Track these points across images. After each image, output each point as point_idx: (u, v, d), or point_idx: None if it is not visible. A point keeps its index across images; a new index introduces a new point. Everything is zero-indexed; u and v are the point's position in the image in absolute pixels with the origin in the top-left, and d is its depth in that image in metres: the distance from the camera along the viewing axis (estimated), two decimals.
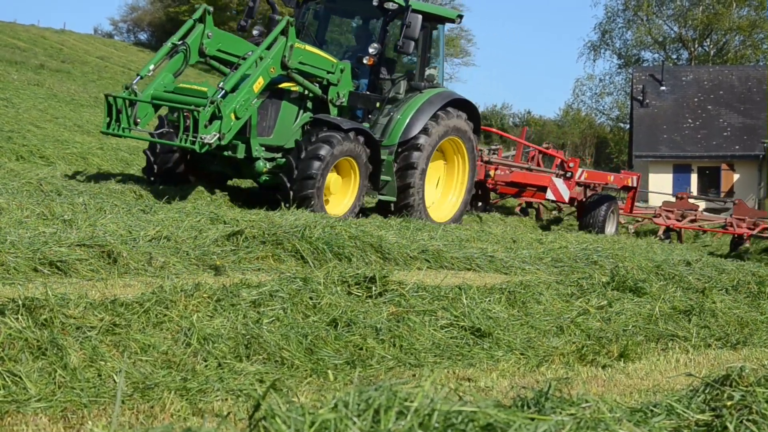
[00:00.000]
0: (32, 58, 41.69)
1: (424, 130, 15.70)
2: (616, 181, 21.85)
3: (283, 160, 14.26)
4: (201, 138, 12.68)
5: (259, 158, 14.26)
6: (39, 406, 4.44)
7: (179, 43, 13.94)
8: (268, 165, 14.42)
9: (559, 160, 22.30)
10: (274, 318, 6.13)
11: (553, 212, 23.33)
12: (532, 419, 2.96)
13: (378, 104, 15.63)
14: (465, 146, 16.66)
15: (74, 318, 5.36)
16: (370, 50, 15.21)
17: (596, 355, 6.61)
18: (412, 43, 15.04)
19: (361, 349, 5.98)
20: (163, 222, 10.11)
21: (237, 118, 13.29)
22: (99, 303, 5.69)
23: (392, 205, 15.71)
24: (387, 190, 15.67)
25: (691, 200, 26.39)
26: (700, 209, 24.89)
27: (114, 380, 4.85)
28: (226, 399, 4.87)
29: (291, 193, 13.75)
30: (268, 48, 13.93)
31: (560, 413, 3.35)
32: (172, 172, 14.69)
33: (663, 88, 50.97)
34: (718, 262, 12.53)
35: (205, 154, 13.58)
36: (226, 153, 14.03)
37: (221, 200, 14.97)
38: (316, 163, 13.87)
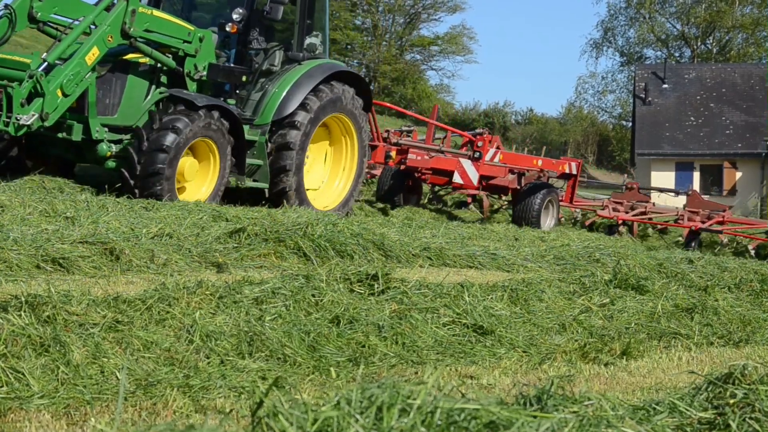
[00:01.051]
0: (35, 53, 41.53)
1: (302, 107, 13.93)
2: (549, 166, 19.60)
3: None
4: (17, 118, 11.10)
5: (101, 140, 12.46)
6: (42, 403, 4.45)
7: (2, 6, 11.95)
8: (114, 148, 12.59)
9: (467, 139, 20.46)
10: (276, 315, 6.14)
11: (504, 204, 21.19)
12: (535, 417, 2.96)
13: (244, 77, 13.79)
14: (353, 125, 14.90)
15: (77, 315, 5.36)
16: (234, 16, 13.50)
17: (599, 353, 6.61)
18: (281, 8, 13.52)
19: (364, 346, 5.98)
20: (166, 219, 10.12)
21: (65, 95, 11.60)
22: (102, 300, 5.70)
23: (266, 192, 13.90)
24: (259, 176, 13.84)
25: (643, 191, 24.48)
26: (653, 201, 22.71)
27: (117, 377, 4.86)
28: (229, 396, 4.87)
29: (136, 191, 12.16)
30: (107, 11, 12.19)
31: (563, 411, 3.35)
32: (4, 157, 12.82)
33: (665, 85, 50.95)
34: (720, 260, 12.52)
35: (43, 136, 12.15)
36: (60, 135, 12.23)
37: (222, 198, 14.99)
38: (161, 156, 12.19)
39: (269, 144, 13.83)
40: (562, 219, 20.17)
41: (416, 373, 5.71)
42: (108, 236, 8.37)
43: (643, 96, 50.23)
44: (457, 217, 18.89)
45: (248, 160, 13.62)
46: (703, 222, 19.74)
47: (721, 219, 20.04)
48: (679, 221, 20.36)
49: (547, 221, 18.23)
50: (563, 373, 5.94)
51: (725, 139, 48.14)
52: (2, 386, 4.54)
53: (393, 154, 17.52)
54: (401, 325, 6.38)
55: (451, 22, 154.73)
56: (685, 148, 47.81)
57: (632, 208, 21.05)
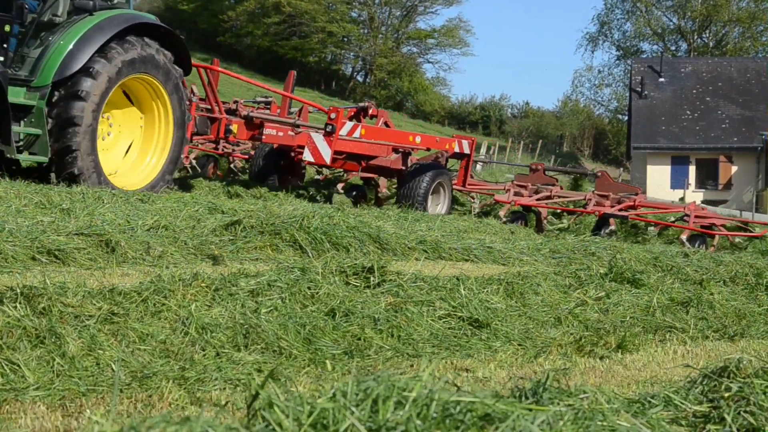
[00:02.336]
0: None
1: (88, 72, 11.62)
2: (431, 144, 17.40)
3: None
4: None
5: None
6: (37, 395, 4.45)
7: None
8: None
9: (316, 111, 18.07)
10: (272, 308, 6.14)
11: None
12: (530, 410, 2.97)
13: (7, 27, 11.50)
14: (164, 88, 12.53)
15: (72, 306, 5.36)
16: None
17: (594, 347, 6.61)
18: None
19: (359, 339, 5.98)
20: (161, 211, 10.12)
21: None
22: (97, 292, 5.69)
23: (54, 169, 11.72)
24: (38, 148, 11.56)
25: (550, 173, 21.88)
26: (559, 184, 20.12)
27: (112, 369, 4.86)
28: (225, 388, 4.87)
29: None
30: None
31: (558, 404, 3.35)
32: None
33: (662, 79, 50.99)
34: (715, 254, 12.53)
35: None
36: None
37: (219, 190, 14.98)
38: None
39: (50, 119, 11.56)
40: (475, 205, 18.68)
41: (412, 366, 5.72)
42: (103, 228, 8.36)
43: (640, 90, 50.28)
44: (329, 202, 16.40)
45: (24, 129, 11.50)
46: (612, 206, 17.94)
47: (631, 203, 18.18)
48: (586, 206, 18.21)
49: (439, 206, 16.51)
50: (558, 366, 5.94)
51: (721, 133, 48.20)
52: None
53: (234, 128, 15.12)
54: (397, 318, 6.39)
55: (447, 15, 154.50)
56: (681, 142, 47.88)
57: (537, 192, 18.94)
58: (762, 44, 70.34)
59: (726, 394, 3.83)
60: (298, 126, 15.73)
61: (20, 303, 5.20)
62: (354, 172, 17.09)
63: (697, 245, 15.85)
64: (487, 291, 7.42)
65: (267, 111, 18.02)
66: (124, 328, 5.32)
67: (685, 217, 17.46)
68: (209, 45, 74.48)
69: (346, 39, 76.70)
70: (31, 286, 5.39)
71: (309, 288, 6.58)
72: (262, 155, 17.42)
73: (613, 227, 17.00)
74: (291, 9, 70.93)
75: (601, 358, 6.41)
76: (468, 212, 18.37)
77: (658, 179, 47.28)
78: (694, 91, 50.35)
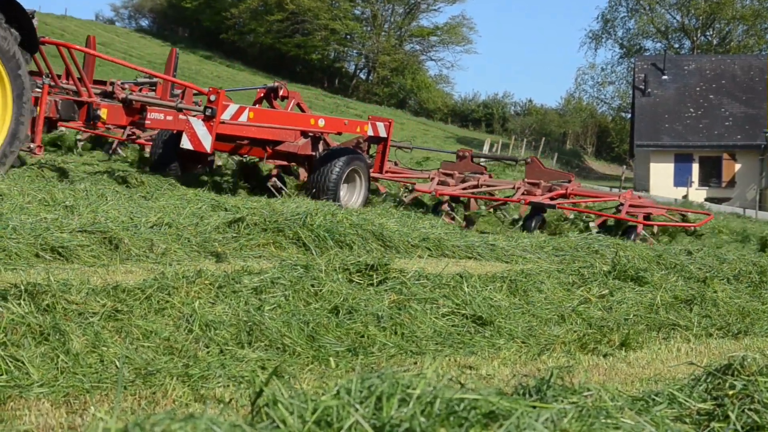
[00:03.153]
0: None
1: None
2: (339, 128, 15.47)
3: None
4: None
5: None
6: (41, 391, 4.45)
7: None
8: None
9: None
10: (275, 305, 6.14)
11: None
12: (534, 407, 2.96)
13: None
14: (4, 66, 11.22)
15: (76, 304, 5.36)
16: None
17: (597, 344, 6.61)
18: None
19: (363, 336, 5.98)
20: (165, 208, 10.12)
21: None
22: (101, 289, 5.70)
23: None
24: None
25: (481, 160, 20.06)
26: (487, 173, 18.58)
27: (116, 366, 4.86)
28: (228, 385, 4.87)
29: None
30: None
31: (562, 401, 3.35)
32: None
33: (665, 77, 50.96)
34: (719, 251, 12.52)
35: None
36: None
37: (223, 187, 14.98)
38: None
39: None
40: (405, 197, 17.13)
41: (415, 363, 5.72)
42: (107, 225, 8.37)
43: (643, 87, 50.24)
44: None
45: None
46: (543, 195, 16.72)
47: (563, 191, 16.91)
48: (516, 194, 16.88)
49: (354, 197, 15.08)
50: (562, 363, 5.94)
51: (724, 130, 48.17)
52: (2, 375, 4.54)
53: (103, 113, 13.43)
54: (400, 316, 6.39)
55: (450, 13, 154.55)
56: (685, 140, 47.85)
57: (464, 181, 17.61)
58: (766, 42, 70.26)
59: (730, 392, 3.83)
60: (180, 110, 14.07)
61: (24, 300, 5.20)
62: (270, 161, 15.80)
63: (632, 238, 14.99)
64: (490, 288, 7.42)
65: (153, 94, 16.35)
66: (128, 325, 5.33)
67: (619, 207, 16.59)
68: (212, 42, 74.52)
69: (349, 36, 76.70)
70: (35, 283, 5.39)
71: (312, 285, 6.58)
72: (161, 142, 15.67)
73: (571, 215, 16.18)
74: (294, 6, 70.95)
75: (604, 356, 6.41)
76: (385, 202, 16.72)
77: (661, 177, 47.26)
78: (698, 89, 50.30)
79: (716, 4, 69.07)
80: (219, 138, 13.82)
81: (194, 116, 13.33)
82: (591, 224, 15.58)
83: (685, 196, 43.80)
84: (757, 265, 10.02)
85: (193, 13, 76.15)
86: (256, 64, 72.74)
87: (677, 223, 17.15)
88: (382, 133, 16.05)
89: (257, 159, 16.08)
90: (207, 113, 13.07)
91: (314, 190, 14.36)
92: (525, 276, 7.99)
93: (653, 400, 3.87)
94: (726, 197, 46.20)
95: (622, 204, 16.61)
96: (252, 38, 74.60)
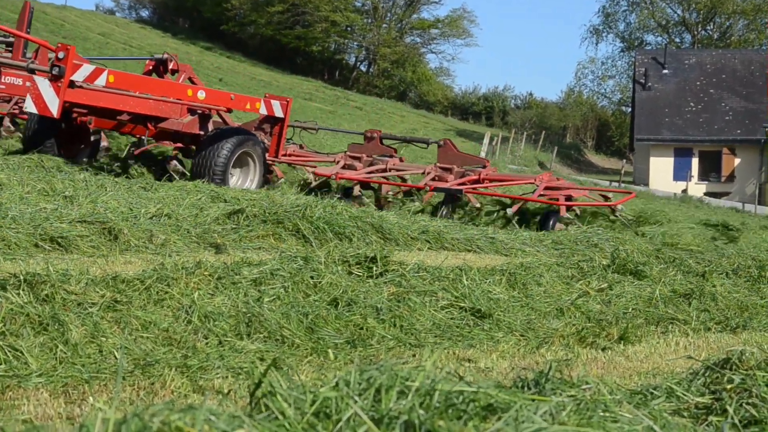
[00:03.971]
0: (33, 34, 41.46)
1: None
2: (224, 102, 14.04)
3: None
4: None
5: None
6: (40, 381, 4.45)
7: None
8: None
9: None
10: (274, 297, 6.14)
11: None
12: (533, 400, 2.97)
13: None
14: None
15: (75, 294, 5.36)
16: None
17: (596, 338, 6.61)
18: None
19: (362, 328, 5.99)
20: (164, 199, 10.12)
21: None
22: (100, 279, 5.70)
23: None
24: None
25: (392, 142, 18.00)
26: (398, 157, 16.93)
27: (115, 356, 4.86)
28: (227, 376, 4.88)
29: None
30: None
31: (560, 395, 3.35)
32: None
33: (665, 71, 50.91)
34: (718, 246, 12.52)
35: None
36: None
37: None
38: None
39: None
40: (310, 179, 15.71)
41: (414, 355, 5.72)
42: (106, 216, 8.37)
43: (643, 81, 50.20)
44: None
45: None
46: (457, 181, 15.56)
47: (476, 177, 15.73)
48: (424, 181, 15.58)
49: (248, 181, 13.87)
50: (561, 357, 5.95)
51: (724, 125, 48.14)
52: (1, 364, 4.54)
53: None
54: (399, 308, 6.39)
55: (451, 5, 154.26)
56: (685, 134, 47.82)
57: (372, 165, 16.28)
58: (766, 36, 70.18)
59: (728, 386, 3.83)
60: (33, 71, 12.31)
61: (23, 290, 5.20)
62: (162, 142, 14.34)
63: (551, 224, 13.95)
64: (489, 281, 7.42)
65: (9, 55, 14.47)
66: (127, 315, 5.33)
67: (535, 190, 15.30)
68: (213, 34, 74.41)
69: (349, 28, 76.59)
70: (34, 273, 5.39)
71: (312, 277, 6.58)
72: (35, 119, 13.57)
73: (477, 204, 14.78)
74: None
75: (603, 350, 6.41)
76: (279, 188, 14.88)
77: (661, 171, 47.25)
78: (698, 83, 50.27)
79: None
80: (93, 112, 12.73)
81: (41, 76, 11.81)
82: (508, 210, 14.38)
83: (685, 191, 43.81)
84: (756, 260, 10.02)
85: (194, 3, 76.04)
86: (257, 56, 72.65)
87: (595, 203, 15.52)
88: (278, 113, 14.48)
89: (152, 140, 14.57)
90: (54, 72, 11.50)
91: (200, 173, 13.15)
92: (524, 269, 7.99)
93: (651, 393, 3.88)
94: (725, 192, 46.19)
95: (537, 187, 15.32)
96: (252, 30, 74.50)
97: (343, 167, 15.98)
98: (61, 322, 4.98)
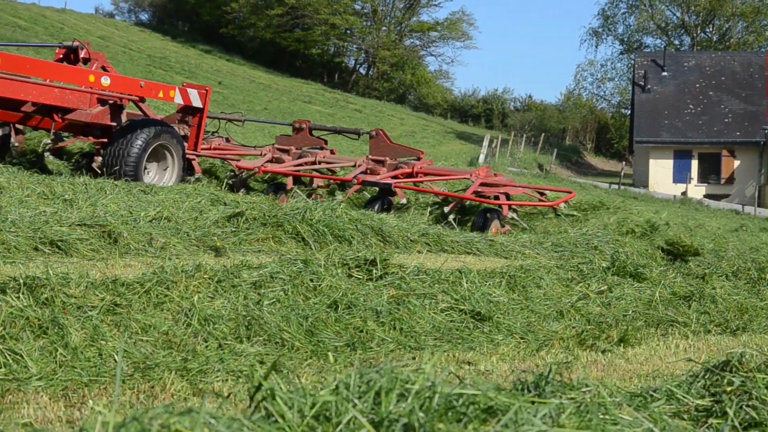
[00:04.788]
0: (33, 37, 41.58)
1: None
2: (132, 90, 13.01)
3: None
4: None
5: None
6: (40, 385, 4.45)
7: None
8: None
9: None
10: (274, 299, 6.14)
11: None
12: (533, 403, 2.97)
13: None
14: None
15: (75, 297, 5.36)
16: None
17: (596, 340, 6.62)
18: None
19: (362, 331, 5.99)
20: (164, 203, 10.12)
21: None
22: (100, 283, 5.70)
23: None
24: None
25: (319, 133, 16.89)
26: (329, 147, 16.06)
27: (115, 360, 4.86)
28: (227, 379, 4.88)
29: None
30: None
31: (560, 397, 3.35)
32: None
33: (665, 73, 50.90)
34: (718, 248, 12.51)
35: None
36: None
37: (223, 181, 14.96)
38: None
39: None
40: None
41: (414, 358, 5.72)
42: (106, 219, 8.36)
43: (643, 84, 50.19)
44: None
45: None
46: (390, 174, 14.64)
47: (410, 170, 14.76)
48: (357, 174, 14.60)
49: (166, 177, 12.99)
50: (561, 359, 5.94)
51: (724, 127, 48.12)
52: (0, 368, 4.54)
53: None
54: (399, 311, 6.39)
55: (450, 8, 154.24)
56: (684, 136, 47.80)
57: (301, 157, 15.46)
58: (765, 39, 70.20)
59: (728, 389, 3.83)
60: None
61: (23, 293, 5.20)
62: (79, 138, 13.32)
63: (490, 224, 13.12)
64: (489, 284, 7.42)
65: None
66: (127, 319, 5.33)
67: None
68: (212, 37, 74.43)
69: (349, 31, 76.59)
70: (33, 277, 5.39)
71: (311, 280, 6.58)
72: None
73: (403, 200, 14.00)
74: (294, 1, 70.86)
75: (603, 352, 6.41)
76: (198, 182, 14.17)
77: (660, 173, 47.22)
78: (697, 86, 50.26)
79: (716, 0, 69.02)
80: None
81: None
82: (445, 209, 13.38)
83: (684, 193, 43.78)
84: (756, 262, 10.02)
85: (194, 6, 76.08)
86: (256, 59, 72.65)
87: (533, 203, 14.68)
88: (197, 103, 13.53)
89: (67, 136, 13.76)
90: None
91: (112, 167, 12.32)
92: (524, 272, 7.99)
93: (651, 396, 3.88)
94: (725, 194, 46.18)
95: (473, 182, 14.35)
96: (252, 33, 74.50)
97: (271, 160, 15.11)
98: (61, 325, 4.98)
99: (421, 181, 14.61)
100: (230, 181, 14.62)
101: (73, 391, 4.49)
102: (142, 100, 13.50)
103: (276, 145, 15.96)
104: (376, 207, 13.52)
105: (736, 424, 3.62)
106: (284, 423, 2.69)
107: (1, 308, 4.96)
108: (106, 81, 12.38)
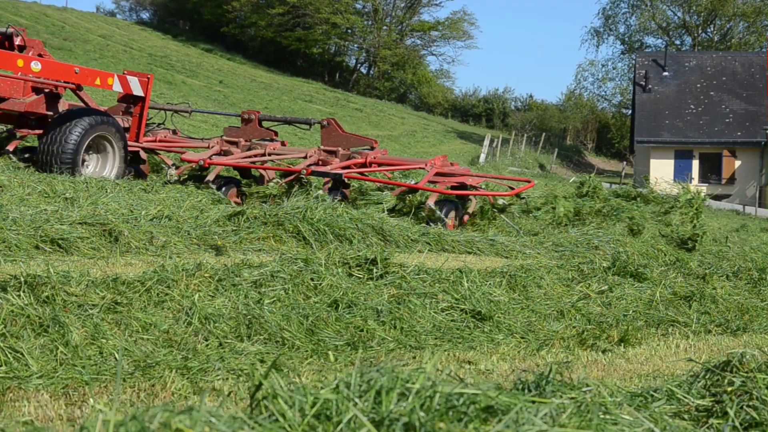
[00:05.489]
0: (34, 36, 41.52)
1: None
2: (65, 76, 12.26)
3: None
4: None
5: None
6: (40, 383, 4.45)
7: None
8: None
9: None
10: (275, 298, 6.14)
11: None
12: (533, 402, 2.97)
13: None
14: None
15: (76, 295, 5.36)
16: None
17: (596, 340, 6.61)
18: None
19: (362, 330, 5.99)
20: (165, 201, 10.12)
21: None
22: (100, 281, 5.70)
23: None
24: None
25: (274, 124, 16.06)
26: (278, 141, 15.17)
27: (115, 358, 4.86)
28: (227, 378, 4.88)
29: None
30: None
31: (561, 397, 3.35)
32: None
33: (666, 73, 50.90)
34: (718, 248, 12.51)
35: None
36: None
37: None
38: None
39: None
40: (171, 170, 13.68)
41: (414, 357, 5.72)
42: (107, 217, 8.37)
43: (644, 83, 50.19)
44: None
45: None
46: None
47: (363, 160, 14.07)
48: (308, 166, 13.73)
49: (107, 168, 12.36)
50: (561, 359, 5.94)
51: (725, 127, 48.12)
52: (1, 366, 4.54)
53: None
54: (400, 310, 6.39)
55: (452, 8, 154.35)
56: (685, 136, 47.80)
57: (251, 149, 14.67)
58: (767, 39, 70.18)
59: (729, 389, 3.83)
60: None
61: (24, 291, 5.20)
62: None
63: (444, 212, 12.53)
64: (489, 284, 7.42)
65: None
66: (128, 317, 5.33)
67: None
68: (213, 36, 74.45)
69: (350, 30, 76.59)
70: (34, 275, 5.39)
71: (312, 279, 6.58)
72: None
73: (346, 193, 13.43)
74: (295, 0, 70.87)
75: (603, 352, 6.41)
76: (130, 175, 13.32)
77: (661, 173, 47.17)
78: (698, 86, 50.25)
79: (717, 0, 69.02)
80: None
81: None
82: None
83: None
84: (756, 262, 10.02)
85: (195, 5, 76.09)
86: (257, 58, 72.66)
87: (491, 193, 13.85)
88: (137, 91, 12.89)
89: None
90: None
91: (47, 160, 11.67)
92: (524, 271, 7.99)
93: (652, 396, 3.88)
94: (726, 194, 46.18)
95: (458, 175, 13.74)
96: (253, 32, 74.50)
97: (219, 153, 14.31)
98: (62, 323, 4.98)
99: (373, 171, 14.00)
100: (171, 176, 13.55)
101: (74, 390, 4.49)
102: (80, 88, 12.89)
103: (224, 137, 15.11)
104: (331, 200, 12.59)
105: (737, 424, 3.62)
106: (285, 422, 2.69)
107: (2, 306, 4.96)
108: (36, 66, 11.58)
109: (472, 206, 13.28)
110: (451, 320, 6.59)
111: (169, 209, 9.52)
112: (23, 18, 49.30)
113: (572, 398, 3.30)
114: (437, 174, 13.66)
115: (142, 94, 13.02)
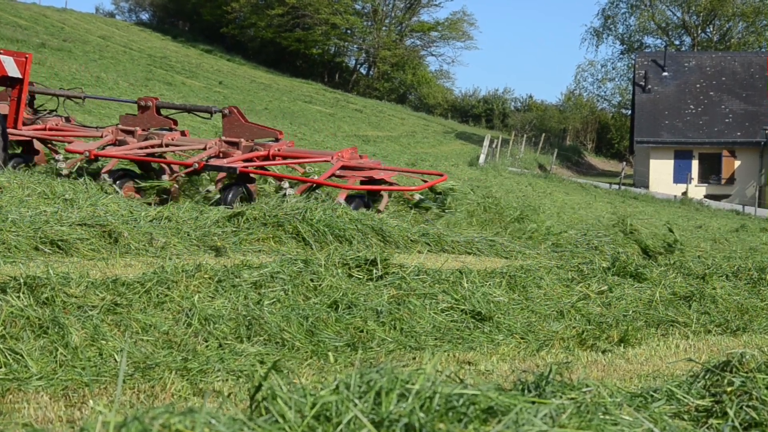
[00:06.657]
0: (33, 37, 41.60)
1: None
2: None
3: None
4: None
5: None
6: (40, 384, 4.45)
7: None
8: None
9: None
10: (275, 299, 6.14)
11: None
12: (533, 403, 2.97)
13: None
14: None
15: (75, 297, 5.36)
16: None
17: (596, 340, 6.61)
18: None
19: (362, 331, 5.98)
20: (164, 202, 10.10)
21: None
22: (100, 282, 5.70)
23: None
24: None
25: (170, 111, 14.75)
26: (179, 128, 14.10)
27: (115, 359, 4.86)
28: (227, 379, 4.87)
29: None
30: None
31: (561, 397, 3.35)
32: None
33: (665, 73, 50.90)
34: (718, 248, 12.51)
35: None
36: None
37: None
38: None
39: None
40: (60, 163, 12.79)
41: (414, 358, 5.72)
42: (106, 219, 8.37)
43: (643, 84, 50.19)
44: None
45: None
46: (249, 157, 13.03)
47: (266, 153, 13.21)
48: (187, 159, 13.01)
49: None
50: (561, 359, 5.94)
51: (724, 127, 48.12)
52: (1, 368, 4.54)
53: None
54: (399, 311, 6.39)
55: (451, 8, 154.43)
56: (684, 137, 47.80)
57: (147, 139, 13.50)
58: (766, 39, 70.19)
59: (728, 389, 3.83)
60: None
61: (23, 293, 5.20)
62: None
63: (353, 207, 11.57)
64: (489, 284, 7.42)
65: None
66: (127, 318, 5.33)
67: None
68: (213, 36, 74.45)
69: (349, 31, 76.59)
70: (34, 276, 5.39)
71: (312, 280, 6.58)
72: None
73: (254, 189, 12.56)
74: (295, 1, 70.87)
75: (603, 352, 6.41)
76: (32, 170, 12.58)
77: (661, 173, 47.22)
78: (698, 86, 50.26)
79: (717, 0, 69.03)
80: None
81: None
82: (289, 191, 12.15)
83: (685, 193, 43.79)
84: (756, 262, 10.01)
85: (194, 6, 76.10)
86: (257, 59, 72.66)
87: (400, 188, 13.22)
88: (13, 72, 11.95)
89: None
90: None
91: None
92: (524, 272, 7.98)
93: (652, 396, 3.88)
94: (725, 194, 46.18)
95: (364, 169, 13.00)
96: (252, 32, 74.50)
97: (113, 143, 13.23)
98: (62, 325, 4.98)
99: (275, 165, 13.38)
100: (61, 169, 12.48)
101: (74, 391, 4.49)
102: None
103: (120, 126, 13.77)
104: (230, 195, 12.00)
105: (737, 424, 3.62)
106: (285, 423, 2.69)
107: (2, 308, 4.96)
108: None
109: (384, 202, 12.56)
110: (451, 321, 6.58)
111: (168, 210, 9.52)
112: (22, 19, 49.32)
113: (572, 399, 3.30)
114: (344, 168, 12.96)
115: (20, 76, 12.08)
